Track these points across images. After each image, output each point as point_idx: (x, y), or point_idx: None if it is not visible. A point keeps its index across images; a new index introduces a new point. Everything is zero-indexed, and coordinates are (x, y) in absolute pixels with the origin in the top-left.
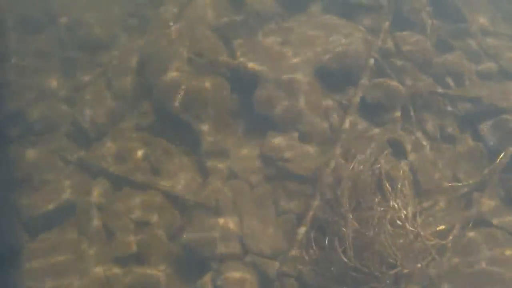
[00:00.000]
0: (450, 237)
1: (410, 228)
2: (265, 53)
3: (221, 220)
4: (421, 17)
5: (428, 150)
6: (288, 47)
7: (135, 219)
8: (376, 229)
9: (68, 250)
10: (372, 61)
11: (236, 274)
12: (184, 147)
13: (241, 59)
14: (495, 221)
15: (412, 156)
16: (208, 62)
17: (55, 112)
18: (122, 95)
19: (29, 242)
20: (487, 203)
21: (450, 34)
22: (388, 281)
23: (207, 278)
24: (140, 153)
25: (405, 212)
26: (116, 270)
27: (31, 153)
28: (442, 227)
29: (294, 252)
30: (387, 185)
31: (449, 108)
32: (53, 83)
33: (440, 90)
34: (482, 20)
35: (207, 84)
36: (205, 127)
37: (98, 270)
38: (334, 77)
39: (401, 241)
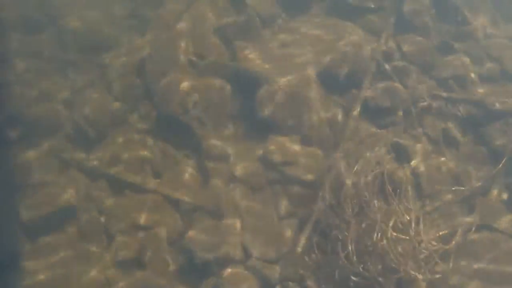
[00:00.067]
0: (453, 242)
1: (413, 233)
2: (266, 55)
3: (222, 224)
4: (424, 19)
5: (430, 154)
6: (290, 49)
7: (136, 222)
8: (379, 234)
9: (68, 253)
10: (374, 63)
11: (238, 279)
12: (185, 150)
13: (243, 61)
14: (498, 225)
15: (414, 160)
16: (209, 64)
17: (55, 113)
18: (123, 96)
19: (28, 244)
20: (490, 207)
21: (453, 36)
22: (391, 286)
23: (209, 282)
24: (141, 155)
25: (408, 217)
26: (116, 273)
27: (31, 155)
28: (445, 231)
29: (296, 257)
30: (390, 190)
31: (452, 111)
32: (53, 84)
33: (443, 93)
34: (485, 22)
35: (208, 86)
36: (206, 130)
37: (98, 273)
38: (337, 79)
39: (404, 246)
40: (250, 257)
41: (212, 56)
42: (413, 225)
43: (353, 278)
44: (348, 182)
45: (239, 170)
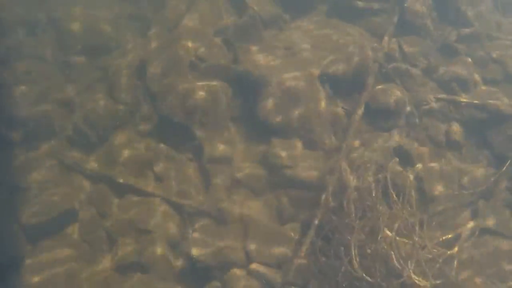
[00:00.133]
0: (456, 247)
1: (417, 237)
2: (268, 56)
3: (224, 228)
4: (426, 21)
5: (433, 157)
6: (292, 51)
7: (137, 226)
8: (382, 239)
9: (69, 256)
10: (376, 65)
11: (241, 283)
12: (187, 152)
13: (244, 62)
14: (501, 229)
15: (417, 164)
16: (211, 66)
17: (56, 115)
18: (124, 99)
19: (29, 249)
20: (493, 211)
21: (455, 39)
22: None
23: (211, 286)
24: (142, 158)
25: (411, 221)
26: (118, 276)
27: (31, 158)
28: (448, 235)
29: (299, 261)
30: (393, 194)
31: (455, 115)
32: (54, 86)
33: (445, 96)
34: (488, 24)
35: (210, 88)
36: (207, 133)
37: (100, 276)
38: (339, 82)
39: (407, 250)
40: (252, 261)
41: (213, 57)
42: (416, 229)
43: (356, 282)
44: (351, 185)
45: (241, 173)
